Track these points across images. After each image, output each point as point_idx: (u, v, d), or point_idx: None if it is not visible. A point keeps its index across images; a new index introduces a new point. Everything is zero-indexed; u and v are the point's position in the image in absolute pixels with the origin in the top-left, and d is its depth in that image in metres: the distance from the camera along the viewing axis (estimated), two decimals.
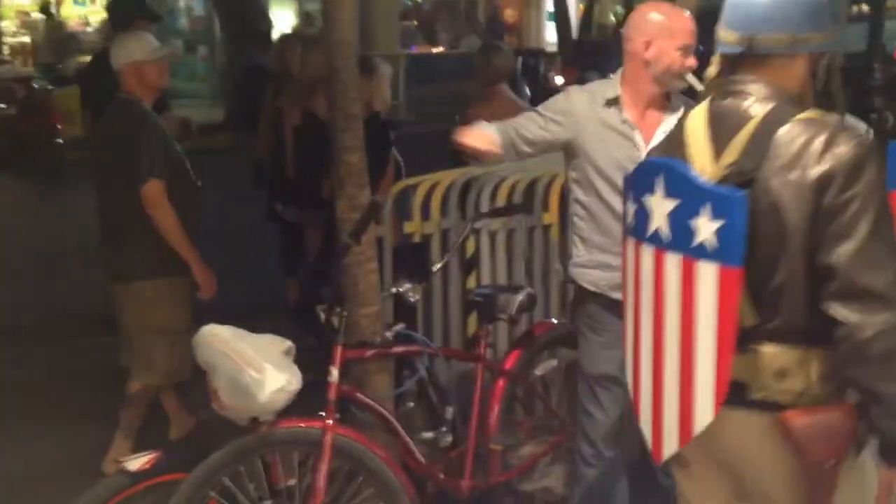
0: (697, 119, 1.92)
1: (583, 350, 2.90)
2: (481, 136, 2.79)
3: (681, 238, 1.81)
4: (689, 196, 1.79)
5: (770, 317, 1.79)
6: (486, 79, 5.19)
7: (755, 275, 1.76)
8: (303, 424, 2.64)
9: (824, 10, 1.86)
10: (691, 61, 2.69)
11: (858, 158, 1.72)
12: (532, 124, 2.84)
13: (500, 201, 3.79)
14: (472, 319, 3.74)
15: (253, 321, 2.72)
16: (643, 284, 1.94)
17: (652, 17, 2.68)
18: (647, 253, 1.92)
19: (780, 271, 1.77)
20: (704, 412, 1.80)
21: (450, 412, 3.15)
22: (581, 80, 14.36)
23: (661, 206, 1.85)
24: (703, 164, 1.85)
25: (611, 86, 2.81)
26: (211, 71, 16.85)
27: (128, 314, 3.61)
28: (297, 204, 4.78)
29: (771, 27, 1.84)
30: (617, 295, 2.46)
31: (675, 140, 1.97)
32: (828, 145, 1.74)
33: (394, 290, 3.01)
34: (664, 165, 1.88)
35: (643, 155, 2.61)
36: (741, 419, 1.83)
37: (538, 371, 3.36)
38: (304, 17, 16.97)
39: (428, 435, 3.10)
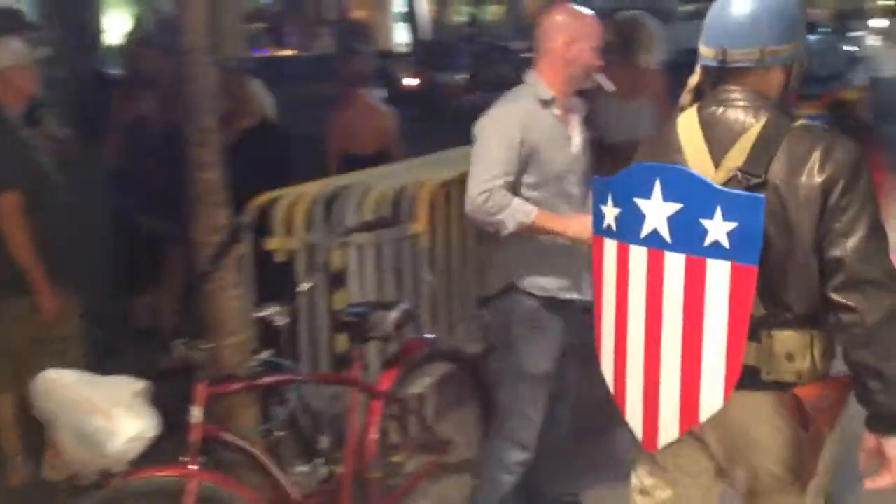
0: (690, 126, 2.03)
1: (523, 353, 2.86)
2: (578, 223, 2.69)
3: (685, 239, 1.92)
4: (697, 199, 1.90)
5: (781, 306, 1.94)
6: (346, 82, 5.04)
7: (764, 269, 1.87)
8: (161, 473, 2.39)
9: (791, 23, 2.00)
10: (600, 61, 2.83)
11: (857, 163, 1.90)
12: (511, 164, 2.73)
13: (368, 212, 3.62)
14: (341, 339, 3.55)
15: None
16: (633, 283, 2.02)
17: (571, 19, 2.82)
18: (639, 253, 2.00)
19: (790, 266, 1.92)
20: (713, 399, 1.93)
21: (324, 441, 2.97)
22: (432, 81, 14.44)
23: (659, 210, 1.94)
24: (701, 168, 1.96)
25: (536, 88, 2.84)
26: (50, 79, 15.83)
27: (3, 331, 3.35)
28: (161, 217, 4.48)
29: (741, 42, 1.98)
30: (565, 295, 2.80)
31: (664, 146, 2.06)
32: (829, 152, 1.90)
33: (259, 314, 2.81)
34: (661, 170, 1.96)
35: (574, 152, 2.88)
36: (749, 400, 1.96)
37: (415, 389, 3.22)
38: (138, 21, 16.20)
39: (302, 468, 2.91)
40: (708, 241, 1.88)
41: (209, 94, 2.65)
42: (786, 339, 1.94)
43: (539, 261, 2.82)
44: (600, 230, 2.10)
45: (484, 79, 18.96)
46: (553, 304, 2.84)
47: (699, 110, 2.04)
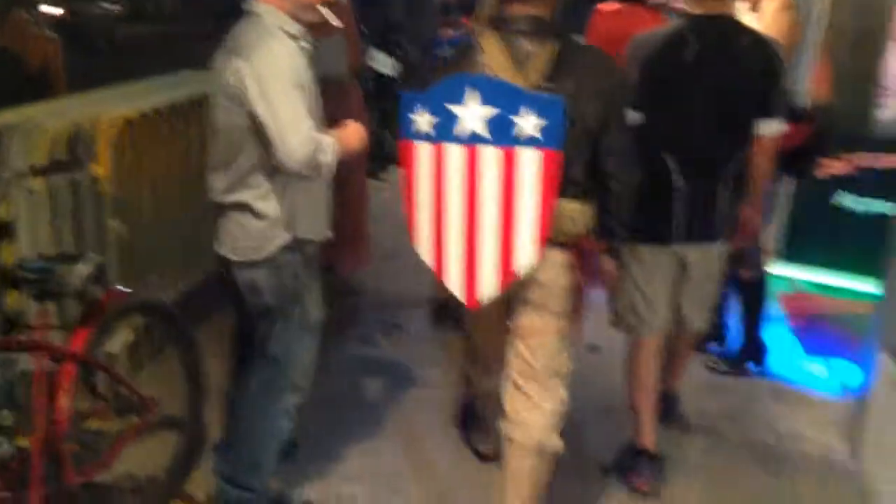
0: (492, 46, 2.48)
1: (307, 302, 2.81)
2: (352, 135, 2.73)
3: (501, 135, 2.39)
4: (509, 102, 2.36)
5: (569, 182, 2.46)
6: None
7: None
8: None
9: None
10: None
11: (623, 75, 2.58)
12: (305, 102, 2.53)
13: (38, 154, 3.19)
14: (14, 297, 3.12)
15: None
16: (450, 174, 2.48)
17: None
18: (456, 150, 2.45)
19: (577, 152, 2.46)
20: (528, 258, 2.46)
21: (3, 416, 2.60)
22: (82, 11, 13.06)
23: (474, 113, 2.40)
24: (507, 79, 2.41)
25: (279, 20, 2.58)
26: None
27: None
28: None
29: None
30: (327, 234, 2.80)
31: (472, 66, 2.48)
32: (606, 64, 2.52)
33: None
34: (475, 79, 2.41)
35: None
36: (544, 255, 2.51)
37: (111, 348, 2.93)
38: None
39: None
40: (520, 135, 2.37)
41: None
42: (570, 206, 2.51)
43: (311, 206, 2.72)
44: (409, 135, 2.51)
45: (142, 10, 17.66)
46: (318, 246, 2.82)
47: (498, 35, 2.47)
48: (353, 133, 2.73)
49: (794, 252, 5.03)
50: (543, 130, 2.35)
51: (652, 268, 3.10)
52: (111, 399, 3.08)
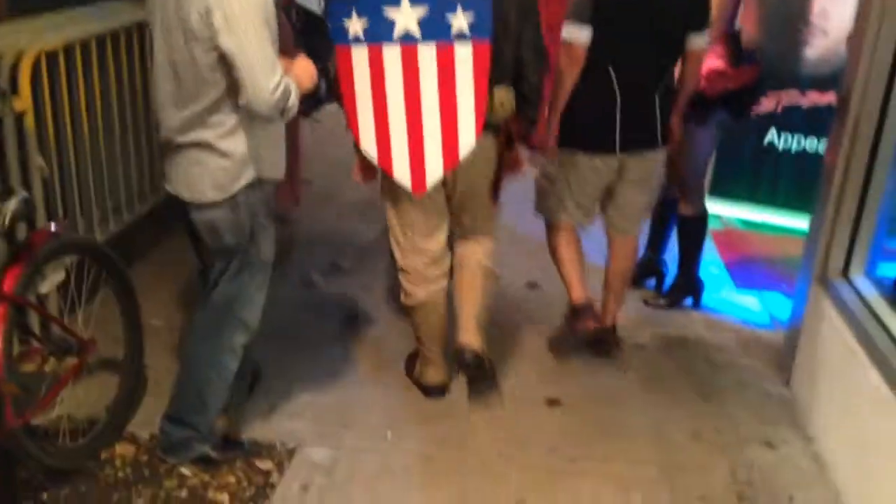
0: None
1: (263, 241, 2.73)
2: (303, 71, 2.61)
3: (434, 33, 2.67)
4: (442, 2, 2.64)
5: (498, 72, 2.78)
6: None
7: (491, 48, 2.73)
8: None
9: None
10: None
11: None
12: (271, 44, 2.42)
13: None
14: None
15: None
16: (389, 73, 2.72)
17: None
18: (393, 50, 2.69)
19: (505, 45, 2.79)
20: (468, 141, 2.80)
21: None
22: None
23: (408, 14, 2.65)
24: None
25: None
26: None
27: None
28: None
29: None
30: (273, 174, 2.68)
31: None
32: None
33: None
34: None
35: None
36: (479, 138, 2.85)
37: (43, 288, 2.81)
38: None
39: None
40: (453, 31, 2.66)
41: None
42: (500, 93, 2.83)
43: (272, 144, 2.63)
44: (345, 40, 2.70)
45: None
46: (275, 185, 2.74)
47: None
48: (304, 71, 2.62)
49: (723, 189, 5.14)
50: (473, 26, 2.65)
51: (588, 174, 3.30)
52: (46, 340, 2.98)
